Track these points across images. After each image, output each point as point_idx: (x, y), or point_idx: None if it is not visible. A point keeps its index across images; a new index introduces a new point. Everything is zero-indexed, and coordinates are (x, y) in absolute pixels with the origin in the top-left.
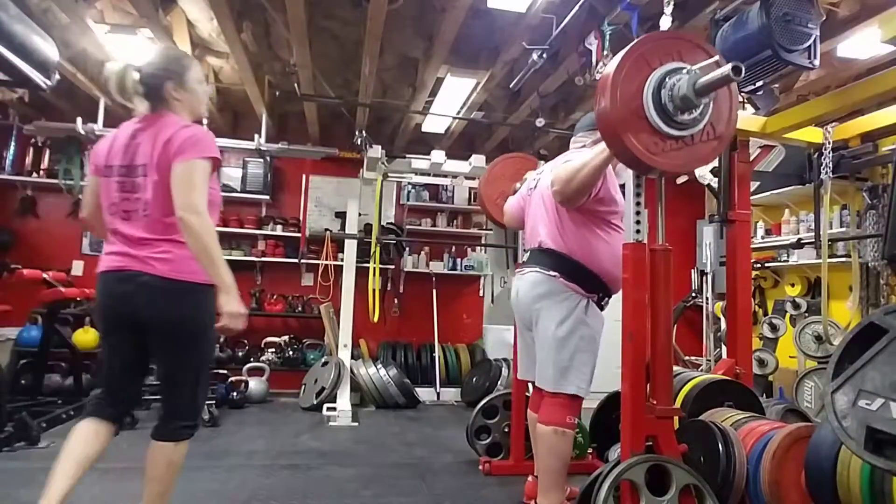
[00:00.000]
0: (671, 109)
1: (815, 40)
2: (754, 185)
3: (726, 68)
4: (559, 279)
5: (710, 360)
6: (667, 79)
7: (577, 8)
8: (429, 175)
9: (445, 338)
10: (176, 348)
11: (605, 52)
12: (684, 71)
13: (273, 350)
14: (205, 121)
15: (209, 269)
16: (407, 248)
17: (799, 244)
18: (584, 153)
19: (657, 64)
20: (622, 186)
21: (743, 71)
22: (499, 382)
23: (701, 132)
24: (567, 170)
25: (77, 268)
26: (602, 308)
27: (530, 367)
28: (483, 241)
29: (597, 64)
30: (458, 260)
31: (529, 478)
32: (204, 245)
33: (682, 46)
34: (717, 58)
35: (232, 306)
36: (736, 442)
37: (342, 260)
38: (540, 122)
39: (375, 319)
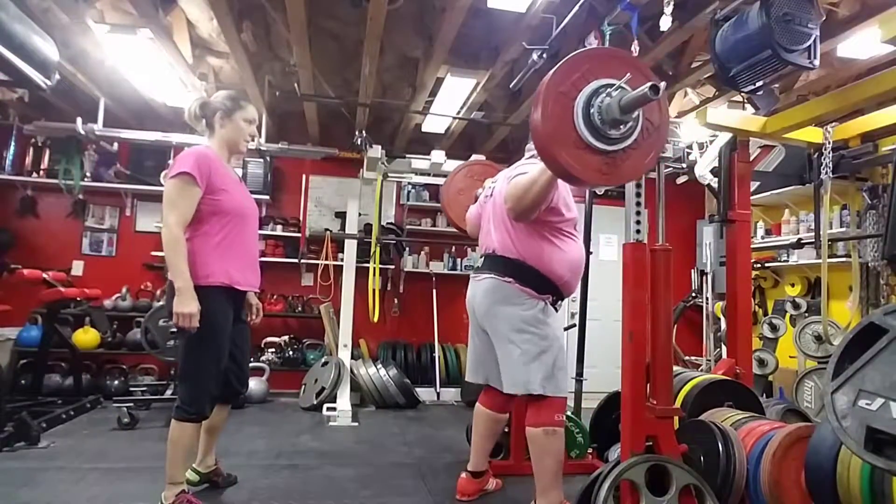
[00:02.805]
0: (608, 131)
1: (815, 40)
2: (754, 185)
3: (644, 88)
4: (514, 284)
5: (710, 360)
6: (592, 101)
7: (577, 8)
8: (429, 175)
9: (445, 338)
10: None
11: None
12: (606, 93)
13: (273, 350)
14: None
15: (169, 272)
16: (407, 248)
17: (799, 244)
18: (534, 166)
19: (576, 92)
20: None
21: (661, 90)
22: None
23: (642, 131)
24: (518, 187)
25: (77, 268)
26: (556, 310)
27: (478, 370)
28: None
29: None
30: (458, 260)
31: (463, 474)
32: (166, 252)
33: (597, 64)
34: (627, 76)
35: (178, 306)
36: (736, 442)
37: (342, 260)
38: None
39: (375, 319)
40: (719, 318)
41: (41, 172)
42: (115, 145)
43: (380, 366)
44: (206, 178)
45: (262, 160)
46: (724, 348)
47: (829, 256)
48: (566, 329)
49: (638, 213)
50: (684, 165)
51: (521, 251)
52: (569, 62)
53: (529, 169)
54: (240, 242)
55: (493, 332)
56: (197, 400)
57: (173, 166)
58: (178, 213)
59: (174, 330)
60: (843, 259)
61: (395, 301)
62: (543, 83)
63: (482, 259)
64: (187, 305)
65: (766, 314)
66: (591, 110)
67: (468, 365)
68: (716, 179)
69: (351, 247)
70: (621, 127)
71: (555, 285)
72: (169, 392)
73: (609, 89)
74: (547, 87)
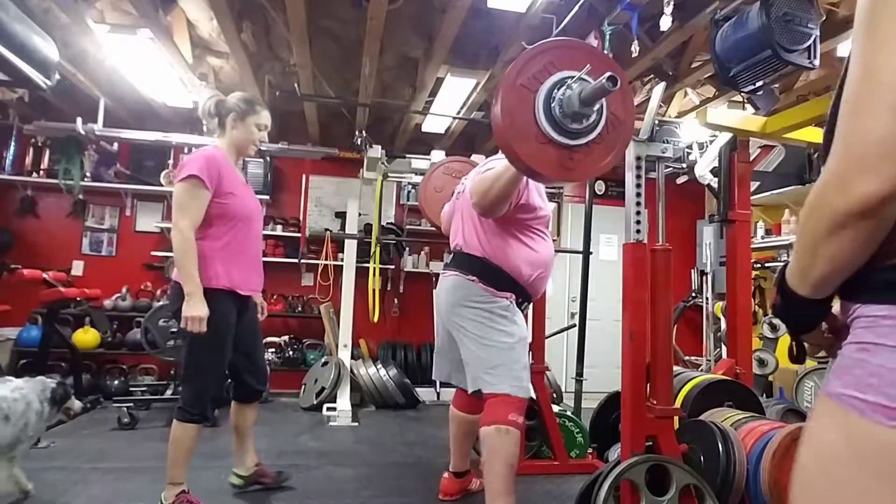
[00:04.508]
0: (570, 125)
1: (815, 40)
2: (754, 185)
3: (601, 80)
4: (478, 283)
5: (710, 360)
6: (554, 94)
7: (577, 8)
8: None
9: None
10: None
11: (606, 52)
12: (566, 85)
13: (273, 350)
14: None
15: (180, 275)
16: (407, 248)
17: None
18: (501, 161)
19: (537, 85)
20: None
21: (619, 82)
22: None
23: (605, 125)
24: (484, 181)
25: (77, 268)
26: (522, 311)
27: (442, 367)
28: None
29: None
30: None
31: (445, 474)
32: (176, 256)
33: (559, 56)
34: (587, 68)
35: (187, 310)
36: (736, 442)
37: (342, 260)
38: None
39: (375, 319)
40: (719, 318)
41: (41, 172)
42: (115, 145)
43: (380, 366)
44: (216, 181)
45: (262, 160)
46: (724, 348)
47: None
48: (566, 329)
49: (638, 213)
50: (684, 165)
51: (487, 248)
52: (529, 54)
53: (497, 164)
54: (244, 246)
55: (457, 331)
56: (199, 401)
57: (182, 168)
58: (189, 217)
59: (174, 330)
60: None
61: (395, 301)
62: (504, 76)
63: (450, 256)
64: (197, 309)
65: (766, 314)
66: (552, 103)
67: (434, 362)
68: (716, 179)
69: (351, 247)
70: (583, 120)
71: (519, 284)
72: (169, 392)
73: (570, 81)
74: (507, 80)
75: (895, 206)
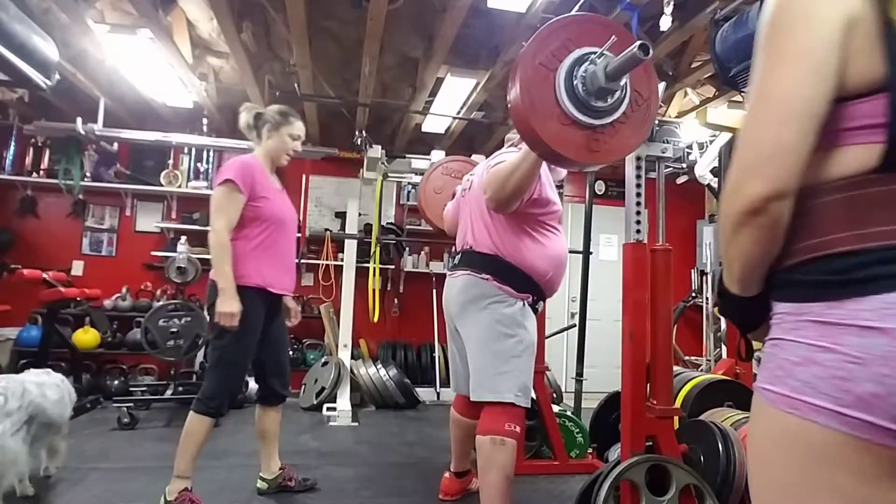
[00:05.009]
0: (594, 103)
1: None
2: None
3: (632, 49)
4: (492, 281)
5: (710, 360)
6: (575, 72)
7: (576, 8)
8: None
9: (445, 338)
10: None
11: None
12: (589, 61)
13: None
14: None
15: (215, 272)
16: (407, 248)
17: None
18: (513, 154)
19: (557, 63)
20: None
21: (650, 51)
22: None
23: (631, 103)
24: (498, 175)
25: (77, 268)
26: (536, 312)
27: (460, 379)
28: None
29: None
30: None
31: (446, 474)
32: (213, 255)
33: (577, 32)
34: (613, 39)
35: (221, 306)
36: (736, 442)
37: (342, 260)
38: None
39: (375, 319)
40: (719, 318)
41: (41, 172)
42: (115, 145)
43: (380, 366)
44: (249, 186)
45: None
46: (724, 348)
47: None
48: (566, 329)
49: (638, 213)
50: (684, 165)
51: (500, 246)
52: (546, 30)
53: (508, 157)
54: (277, 247)
55: (466, 333)
56: (217, 394)
57: (220, 174)
58: (224, 219)
59: (174, 330)
60: None
61: (395, 301)
62: (519, 56)
63: (458, 256)
64: (229, 305)
65: None
66: (574, 81)
67: (451, 374)
68: (716, 179)
69: (351, 247)
70: (608, 98)
71: (536, 283)
72: (169, 392)
73: (593, 56)
74: (524, 59)
75: (781, 204)
